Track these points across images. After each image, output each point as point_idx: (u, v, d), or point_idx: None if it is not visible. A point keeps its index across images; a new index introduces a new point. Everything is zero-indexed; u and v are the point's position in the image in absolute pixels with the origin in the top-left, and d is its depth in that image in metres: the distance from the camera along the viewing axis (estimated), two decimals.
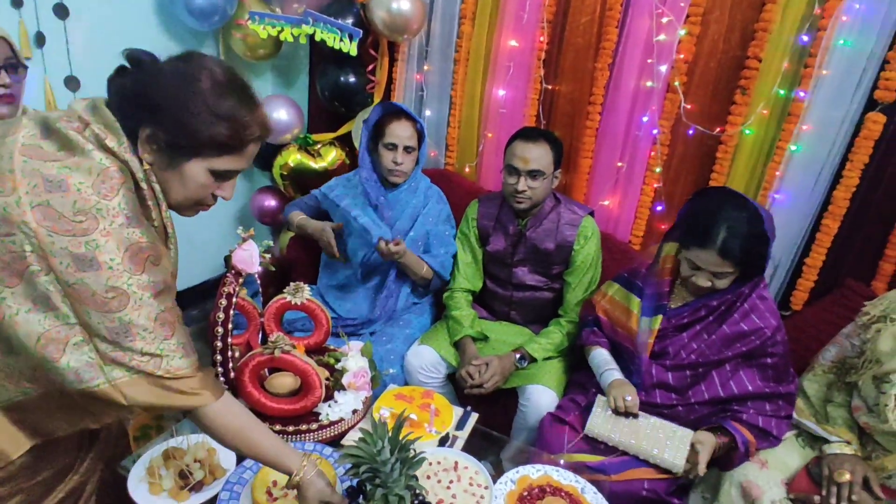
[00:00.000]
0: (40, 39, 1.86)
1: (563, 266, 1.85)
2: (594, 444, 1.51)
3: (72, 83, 1.97)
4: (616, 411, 1.49)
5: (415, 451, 1.01)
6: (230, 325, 1.23)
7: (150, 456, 1.16)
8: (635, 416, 1.49)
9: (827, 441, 1.34)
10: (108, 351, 0.83)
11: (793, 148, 1.84)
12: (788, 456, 1.38)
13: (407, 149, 1.86)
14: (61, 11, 1.89)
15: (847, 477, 1.21)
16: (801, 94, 1.79)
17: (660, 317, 1.53)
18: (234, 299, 1.23)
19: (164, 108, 0.86)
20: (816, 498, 1.25)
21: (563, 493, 1.23)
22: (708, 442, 1.37)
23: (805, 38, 1.74)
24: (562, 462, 1.45)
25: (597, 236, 1.85)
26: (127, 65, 0.90)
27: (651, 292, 1.57)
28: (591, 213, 1.87)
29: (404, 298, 2.01)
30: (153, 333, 0.84)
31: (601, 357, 1.63)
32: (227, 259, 1.27)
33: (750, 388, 1.44)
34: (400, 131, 1.84)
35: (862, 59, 1.70)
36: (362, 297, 1.96)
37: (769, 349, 1.42)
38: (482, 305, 2.02)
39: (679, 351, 1.51)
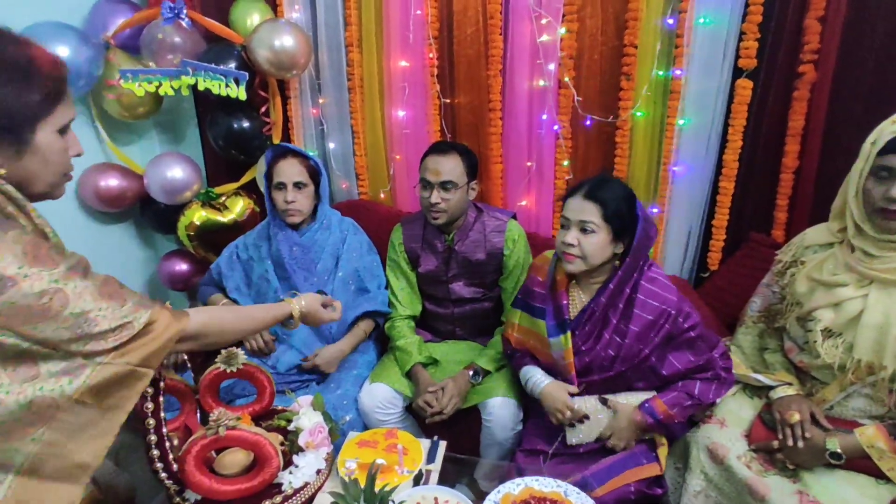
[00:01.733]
0: None
1: (496, 274, 1.86)
2: (571, 452, 1.51)
3: None
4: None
5: (393, 501, 0.96)
6: (162, 414, 1.11)
7: None
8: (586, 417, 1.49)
9: (771, 387, 1.42)
10: (83, 347, 0.81)
11: (681, 122, 1.97)
12: (742, 410, 1.45)
13: (297, 185, 1.79)
14: None
15: (797, 417, 1.29)
16: (678, 72, 1.92)
17: (568, 334, 1.48)
18: (160, 384, 1.11)
19: None
20: (775, 443, 1.32)
21: (547, 502, 1.21)
22: (621, 414, 1.45)
23: (671, 22, 1.87)
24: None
25: (523, 238, 1.87)
26: None
27: (550, 309, 1.52)
28: (514, 216, 1.90)
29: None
30: (108, 309, 0.84)
31: (528, 372, 1.60)
32: None
33: (680, 367, 1.44)
34: (286, 168, 1.78)
35: (721, 33, 1.86)
36: (301, 346, 1.86)
37: (682, 325, 1.41)
38: (425, 328, 1.99)
39: (601, 363, 1.48)
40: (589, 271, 1.45)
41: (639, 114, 1.99)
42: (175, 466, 1.15)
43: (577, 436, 1.51)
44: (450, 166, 1.72)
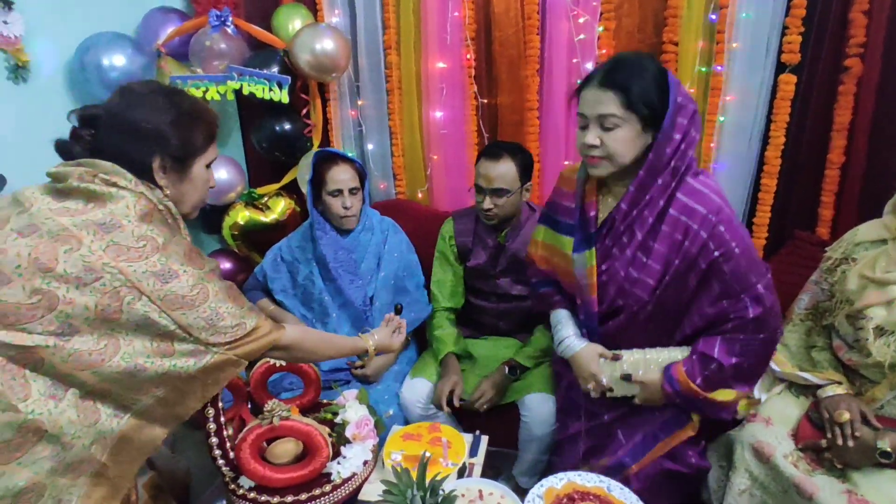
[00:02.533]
0: None
1: None
2: (601, 433, 1.47)
3: None
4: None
5: (444, 490, 0.98)
6: (220, 404, 1.16)
7: None
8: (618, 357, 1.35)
9: (819, 386, 1.40)
10: (208, 337, 0.98)
11: (721, 119, 1.95)
12: (787, 408, 1.43)
13: (352, 191, 1.84)
14: None
15: (846, 416, 1.27)
16: (718, 68, 1.90)
17: (593, 249, 1.30)
18: None
19: (165, 134, 1.02)
20: (823, 442, 1.30)
21: (591, 497, 1.22)
22: (649, 386, 1.32)
23: (713, 17, 1.86)
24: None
25: None
26: (78, 125, 1.05)
27: (578, 222, 1.34)
28: None
29: None
30: (233, 308, 1.02)
31: (557, 322, 1.47)
32: None
33: (709, 310, 1.24)
34: (340, 175, 1.82)
35: (765, 28, 1.84)
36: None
37: (712, 252, 1.19)
38: (467, 323, 2.01)
39: (622, 288, 1.28)
40: (620, 173, 1.23)
41: None
42: (231, 454, 1.20)
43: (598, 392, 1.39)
44: (501, 172, 1.70)
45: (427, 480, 0.99)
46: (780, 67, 1.86)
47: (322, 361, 1.76)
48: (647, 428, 1.40)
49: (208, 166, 1.13)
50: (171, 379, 0.97)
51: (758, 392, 1.50)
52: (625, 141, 1.18)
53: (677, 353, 1.34)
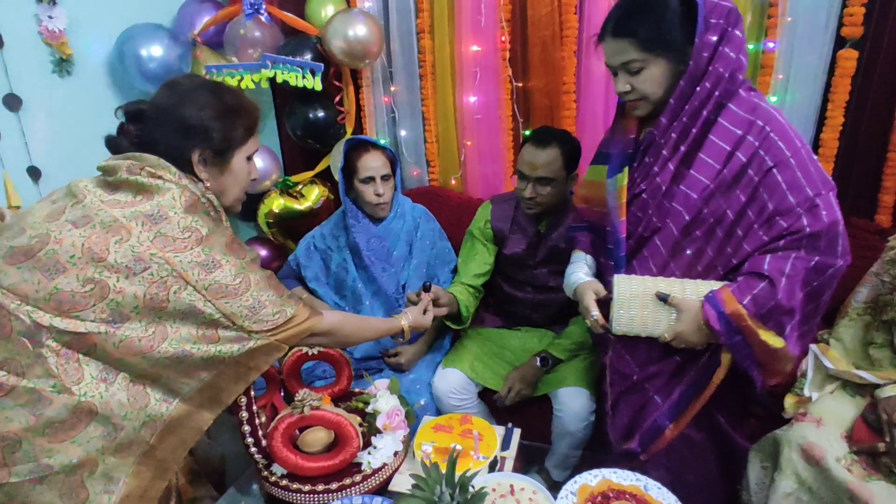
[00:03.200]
0: None
1: None
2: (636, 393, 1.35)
3: (34, 173, 1.90)
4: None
5: (473, 486, 0.96)
6: (252, 393, 1.17)
7: None
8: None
9: (877, 386, 1.30)
10: (251, 324, 1.01)
11: (773, 99, 1.84)
12: (841, 408, 1.34)
13: (384, 178, 1.82)
14: (13, 102, 1.84)
15: None
16: (770, 44, 1.79)
17: (625, 170, 1.25)
18: None
19: (206, 127, 1.04)
20: (881, 445, 1.21)
21: (626, 496, 1.18)
22: (687, 312, 1.16)
23: None
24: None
25: None
26: (125, 120, 1.08)
27: (617, 150, 1.30)
28: None
29: None
30: (273, 296, 1.05)
31: (574, 257, 1.46)
32: None
33: (760, 232, 1.13)
34: (372, 162, 1.80)
35: (823, 0, 1.71)
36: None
37: (765, 162, 1.11)
38: (500, 313, 1.97)
39: (660, 201, 1.20)
40: (662, 105, 1.19)
41: None
42: (264, 442, 1.21)
43: (622, 325, 1.24)
44: (547, 160, 1.64)
45: (457, 475, 0.97)
46: (840, 42, 1.73)
47: (360, 344, 1.80)
48: (680, 386, 1.28)
49: (249, 158, 1.14)
50: (216, 363, 1.00)
51: (808, 390, 1.41)
52: (654, 80, 1.15)
53: (708, 286, 1.19)
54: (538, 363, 1.69)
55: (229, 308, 0.98)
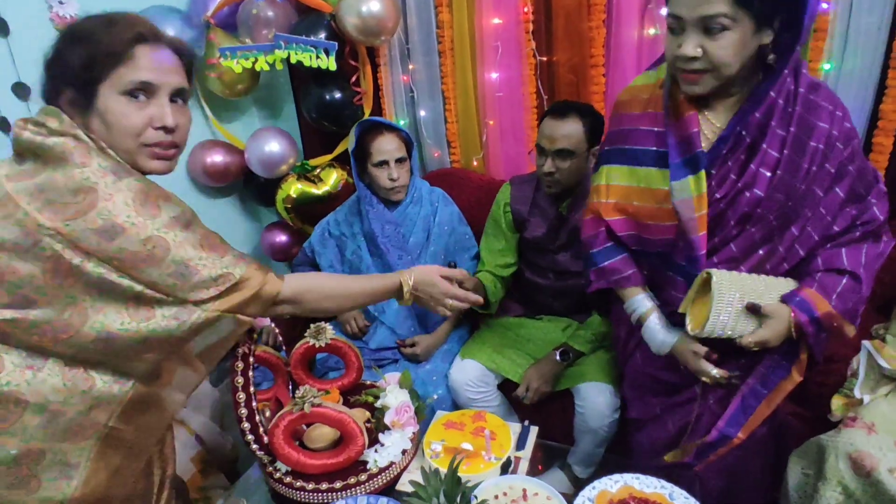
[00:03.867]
0: None
1: None
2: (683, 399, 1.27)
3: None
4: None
5: (475, 497, 0.89)
6: (251, 389, 1.13)
7: None
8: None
9: None
10: (189, 294, 0.88)
11: (826, 67, 1.66)
12: None
13: (399, 161, 1.74)
14: (22, 91, 1.81)
15: None
16: (825, 6, 1.60)
17: (702, 172, 1.07)
18: (250, 359, 1.13)
19: (59, 60, 0.89)
20: None
21: None
22: (776, 319, 1.08)
23: None
24: (666, 459, 1.29)
25: None
26: None
27: (673, 142, 1.10)
28: None
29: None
30: (209, 259, 0.90)
31: (634, 304, 1.24)
32: None
33: (830, 221, 1.09)
34: (386, 145, 1.72)
35: None
36: (393, 324, 1.84)
37: (842, 151, 1.05)
38: (520, 301, 1.88)
39: (742, 212, 1.08)
40: (724, 87, 1.04)
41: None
42: (266, 439, 1.17)
43: (716, 328, 1.11)
44: (567, 131, 1.54)
45: (461, 480, 0.90)
46: None
47: (344, 310, 1.70)
48: (743, 389, 1.19)
49: (131, 94, 0.90)
50: (158, 344, 0.89)
51: (859, 391, 1.28)
52: (734, 47, 0.96)
53: (783, 284, 1.13)
54: (558, 357, 1.60)
55: (148, 276, 0.86)
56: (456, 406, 1.69)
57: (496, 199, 1.83)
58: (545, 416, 1.68)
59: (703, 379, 1.20)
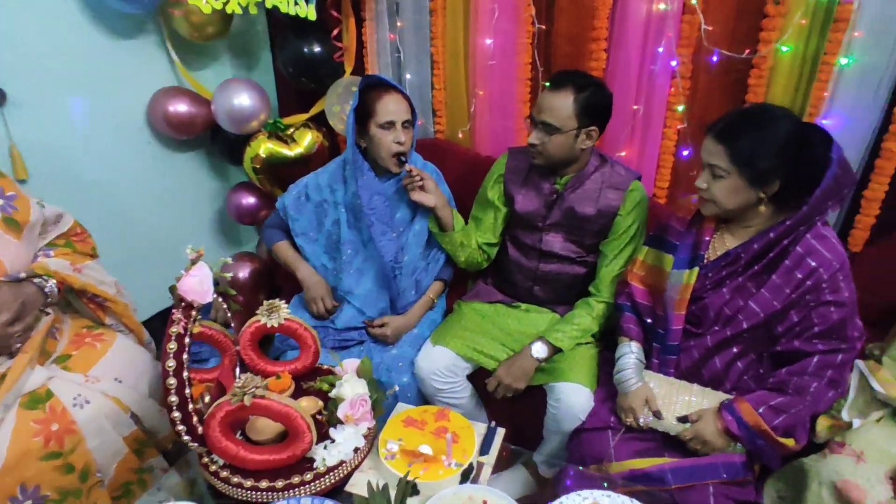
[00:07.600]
0: None
1: (599, 236, 1.59)
2: (643, 437, 1.32)
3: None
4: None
5: None
6: (185, 374, 0.99)
7: None
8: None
9: None
10: None
11: (843, 61, 1.54)
12: (888, 443, 1.13)
13: (405, 124, 1.58)
14: None
15: None
16: None
17: (696, 269, 1.31)
18: (185, 339, 1.00)
19: None
20: None
21: None
22: (703, 421, 1.26)
23: None
24: (612, 473, 1.24)
25: (645, 203, 1.58)
26: None
27: (688, 243, 1.37)
28: (639, 178, 1.59)
29: (417, 289, 1.76)
30: None
31: (623, 353, 1.42)
32: (173, 290, 1.03)
33: (795, 343, 1.23)
34: (393, 105, 1.55)
35: None
36: (362, 305, 1.71)
37: (825, 295, 1.19)
38: (501, 284, 1.77)
39: (721, 314, 1.30)
40: (739, 216, 1.29)
41: (785, 48, 1.57)
42: (200, 429, 1.04)
43: (652, 421, 1.33)
44: (553, 104, 1.42)
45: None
46: None
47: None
48: (701, 462, 1.26)
49: None
50: None
51: (847, 414, 1.20)
52: (727, 191, 1.23)
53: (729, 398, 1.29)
54: (532, 354, 1.50)
55: None
56: (421, 395, 1.59)
57: (492, 168, 1.71)
58: (516, 411, 1.59)
59: (624, 418, 1.35)
